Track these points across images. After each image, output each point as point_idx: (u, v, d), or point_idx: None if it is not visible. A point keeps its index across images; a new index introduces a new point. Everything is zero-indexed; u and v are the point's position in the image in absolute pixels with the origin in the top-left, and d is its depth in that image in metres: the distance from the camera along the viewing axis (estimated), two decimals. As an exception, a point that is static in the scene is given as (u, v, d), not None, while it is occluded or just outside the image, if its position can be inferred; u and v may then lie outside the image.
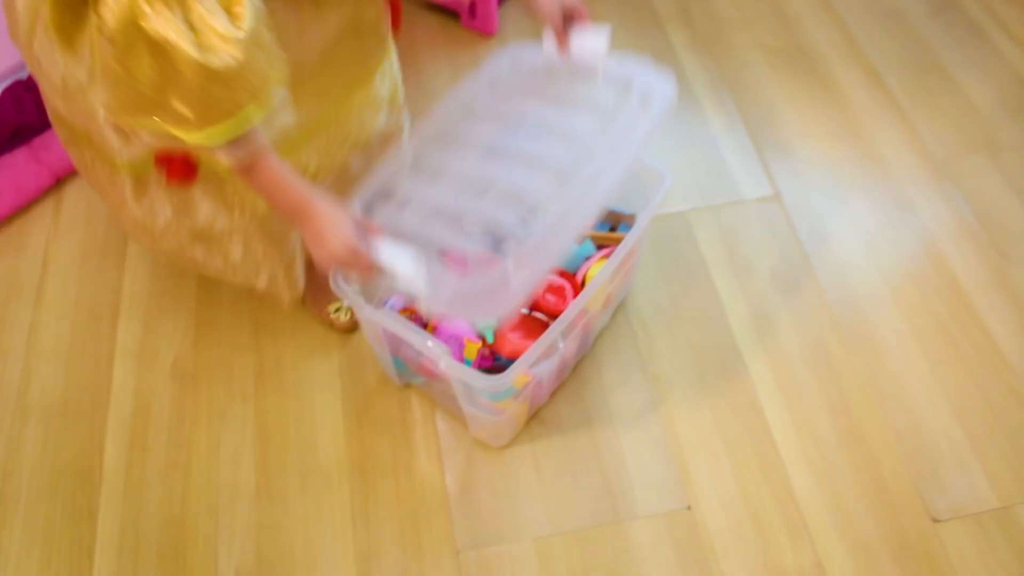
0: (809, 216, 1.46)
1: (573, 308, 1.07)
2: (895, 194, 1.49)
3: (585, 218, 1.02)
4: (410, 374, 1.24)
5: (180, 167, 1.00)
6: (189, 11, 0.78)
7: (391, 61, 1.18)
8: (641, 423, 1.23)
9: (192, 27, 0.78)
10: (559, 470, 1.19)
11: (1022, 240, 1.42)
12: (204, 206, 1.07)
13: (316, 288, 1.31)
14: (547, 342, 1.04)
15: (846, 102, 1.64)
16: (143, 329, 1.34)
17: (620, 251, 1.11)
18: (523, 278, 0.94)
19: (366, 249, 0.93)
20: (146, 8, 0.77)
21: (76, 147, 1.10)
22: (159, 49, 0.78)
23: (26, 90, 1.54)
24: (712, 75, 1.69)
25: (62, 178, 1.52)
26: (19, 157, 1.51)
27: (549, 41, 1.13)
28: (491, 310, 0.95)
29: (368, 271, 0.95)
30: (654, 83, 1.10)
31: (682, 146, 1.57)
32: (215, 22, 0.78)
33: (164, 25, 0.77)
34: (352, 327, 1.32)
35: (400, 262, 0.92)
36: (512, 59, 1.18)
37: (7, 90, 1.53)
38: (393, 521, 1.15)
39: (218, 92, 0.80)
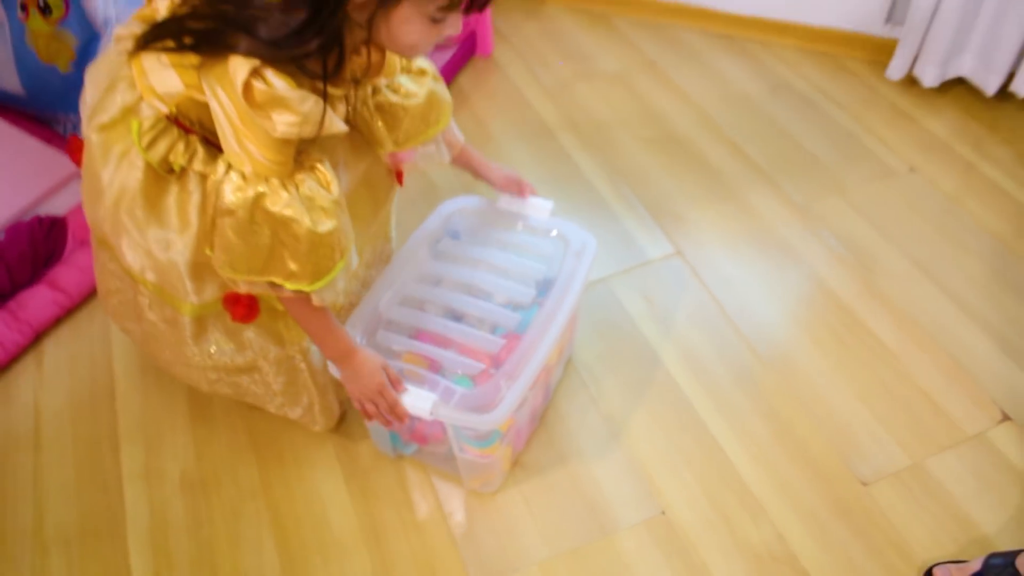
0: (710, 266, 1.73)
1: (537, 362, 1.26)
2: (774, 238, 1.78)
3: (550, 342, 1.25)
4: (402, 445, 1.39)
5: (245, 306, 1.15)
6: (300, 190, 0.97)
7: (393, 209, 1.42)
8: (607, 454, 1.42)
9: (303, 203, 0.97)
10: (546, 504, 1.35)
11: (879, 256, 1.72)
12: (258, 342, 1.23)
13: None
14: (522, 392, 1.22)
15: (718, 172, 1.95)
16: (145, 453, 1.45)
17: (564, 311, 1.31)
18: (512, 390, 1.18)
19: (390, 392, 1.16)
20: (268, 192, 0.95)
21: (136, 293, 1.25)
22: (279, 223, 0.96)
23: (-5, 257, 1.65)
24: (604, 167, 1.98)
25: (41, 333, 1.63)
26: (-4, 319, 1.62)
27: (503, 201, 1.44)
28: (486, 419, 1.16)
29: (393, 406, 1.17)
30: (585, 240, 1.40)
31: (591, 228, 1.79)
32: (317, 196, 0.98)
33: (284, 204, 0.95)
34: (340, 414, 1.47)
35: (415, 401, 1.16)
36: (465, 208, 1.47)
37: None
38: (412, 572, 1.28)
39: (323, 251, 0.99)
